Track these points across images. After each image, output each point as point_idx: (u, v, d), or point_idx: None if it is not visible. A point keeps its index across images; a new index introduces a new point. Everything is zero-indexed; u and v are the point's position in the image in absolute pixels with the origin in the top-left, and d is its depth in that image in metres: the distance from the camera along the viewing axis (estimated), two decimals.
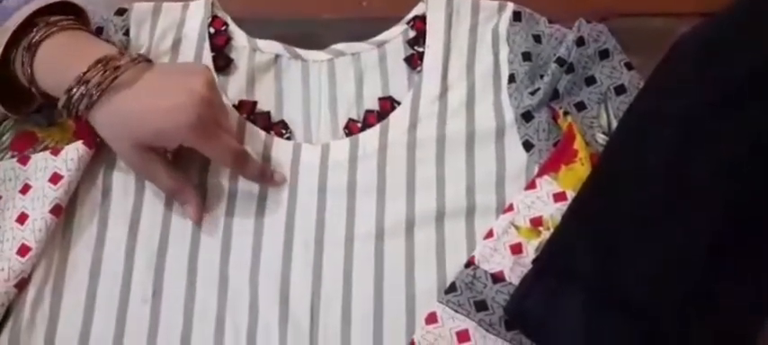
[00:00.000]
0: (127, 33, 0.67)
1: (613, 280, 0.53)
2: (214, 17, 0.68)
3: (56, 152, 0.60)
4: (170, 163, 0.60)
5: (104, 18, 0.67)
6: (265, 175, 0.61)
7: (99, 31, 0.67)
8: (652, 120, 0.56)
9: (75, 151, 0.60)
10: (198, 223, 0.60)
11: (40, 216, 0.58)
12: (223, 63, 0.67)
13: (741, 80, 0.52)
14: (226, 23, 0.68)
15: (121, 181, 0.62)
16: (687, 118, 0.54)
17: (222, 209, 0.61)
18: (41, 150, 0.61)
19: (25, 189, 0.59)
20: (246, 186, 0.61)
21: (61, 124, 0.62)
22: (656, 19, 0.69)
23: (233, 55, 0.67)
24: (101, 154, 0.62)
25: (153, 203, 0.61)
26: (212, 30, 0.68)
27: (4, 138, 0.62)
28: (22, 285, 0.57)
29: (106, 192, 0.61)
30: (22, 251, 0.57)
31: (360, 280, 0.58)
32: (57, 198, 0.59)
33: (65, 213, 0.60)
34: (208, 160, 0.62)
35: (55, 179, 0.59)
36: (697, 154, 0.53)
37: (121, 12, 0.68)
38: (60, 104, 0.56)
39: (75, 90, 0.55)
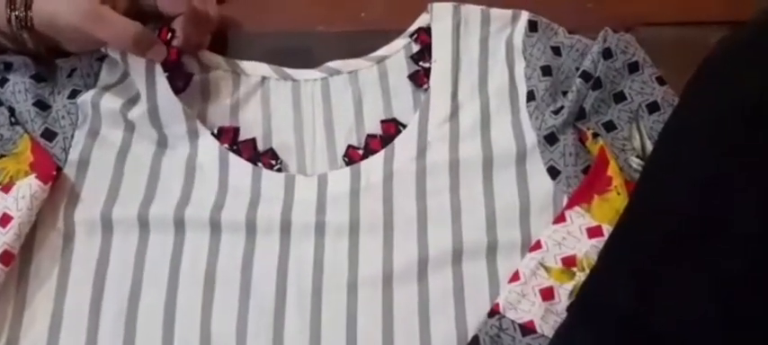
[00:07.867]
0: (101, 59, 0.63)
1: (665, 327, 0.48)
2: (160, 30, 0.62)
3: (7, 189, 0.57)
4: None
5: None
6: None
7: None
8: (688, 142, 0.53)
9: (27, 188, 0.56)
10: (162, 59, 0.60)
11: None
12: (182, 83, 0.62)
13: None
14: (171, 31, 0.62)
15: (86, 221, 0.58)
16: (724, 136, 0.50)
17: (204, 252, 0.57)
18: None
19: None
20: (231, 224, 0.58)
21: (16, 154, 0.58)
22: (686, 28, 0.66)
23: (192, 70, 0.64)
24: (60, 191, 0.59)
25: (123, 244, 0.57)
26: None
27: None
28: None
29: (68, 235, 0.58)
30: None
31: (365, 333, 0.55)
32: (5, 243, 0.54)
33: (18, 261, 0.56)
34: (187, 197, 0.59)
35: (4, 221, 0.55)
36: (739, 176, 0.49)
37: None
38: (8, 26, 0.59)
39: (10, 13, 0.59)
